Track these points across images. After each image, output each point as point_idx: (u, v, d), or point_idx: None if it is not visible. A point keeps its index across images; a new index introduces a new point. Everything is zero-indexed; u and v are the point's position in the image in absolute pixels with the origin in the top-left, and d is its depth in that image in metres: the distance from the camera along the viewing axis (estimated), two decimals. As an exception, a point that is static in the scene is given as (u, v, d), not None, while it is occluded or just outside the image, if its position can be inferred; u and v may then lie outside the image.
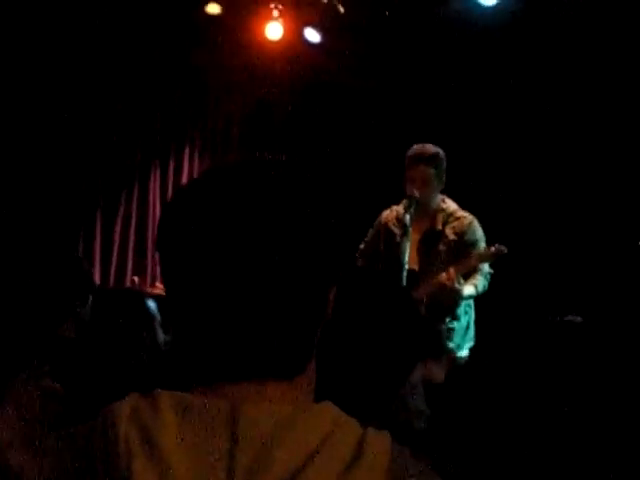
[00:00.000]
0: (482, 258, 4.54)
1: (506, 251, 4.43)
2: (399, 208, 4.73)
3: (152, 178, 7.28)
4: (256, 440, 0.94)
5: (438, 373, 2.79)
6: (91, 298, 2.88)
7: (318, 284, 1.04)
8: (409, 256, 4.54)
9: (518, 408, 2.13)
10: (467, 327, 4.67)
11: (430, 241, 4.63)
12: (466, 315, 4.68)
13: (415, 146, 4.64)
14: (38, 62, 6.33)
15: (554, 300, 5.53)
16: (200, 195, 1.03)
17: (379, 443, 0.98)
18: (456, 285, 4.43)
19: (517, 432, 2.06)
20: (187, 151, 7.50)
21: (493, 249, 4.48)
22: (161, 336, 2.96)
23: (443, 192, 4.72)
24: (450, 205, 4.70)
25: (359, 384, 1.63)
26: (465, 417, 2.17)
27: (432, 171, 4.55)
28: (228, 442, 0.94)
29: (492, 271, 4.64)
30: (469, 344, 4.59)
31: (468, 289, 4.52)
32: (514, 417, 2.10)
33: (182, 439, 0.94)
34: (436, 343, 3.08)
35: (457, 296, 4.50)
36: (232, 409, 0.96)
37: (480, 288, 4.57)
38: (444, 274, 4.43)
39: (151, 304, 2.97)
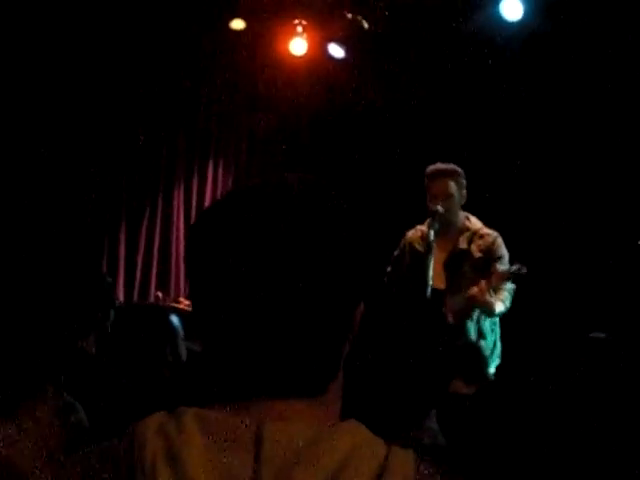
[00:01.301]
0: (502, 277, 4.52)
1: (525, 271, 4.42)
2: (423, 227, 4.73)
3: (176, 194, 7.32)
4: (280, 460, 0.93)
5: (463, 387, 2.77)
6: (113, 313, 2.89)
7: (344, 303, 1.04)
8: (435, 275, 4.54)
9: (544, 427, 2.11)
10: (494, 345, 4.66)
11: (456, 260, 4.63)
12: (492, 333, 4.67)
13: (430, 166, 4.71)
14: (65, 83, 6.40)
15: (577, 317, 5.49)
16: (226, 215, 1.04)
17: (404, 461, 0.97)
18: (487, 297, 4.42)
19: (544, 450, 2.04)
20: (211, 167, 7.54)
21: (514, 268, 4.47)
22: (184, 351, 2.96)
23: (465, 210, 4.73)
24: (475, 223, 4.71)
25: (386, 403, 1.62)
26: (492, 436, 2.15)
27: (453, 184, 4.60)
28: (253, 462, 0.94)
29: (515, 287, 4.62)
30: (496, 362, 4.57)
31: (498, 306, 4.52)
32: (541, 436, 2.08)
33: (208, 459, 0.93)
34: (475, 365, 3.06)
35: (490, 312, 4.48)
36: (257, 428, 0.96)
37: (508, 304, 4.57)
38: (475, 287, 4.42)
39: (174, 319, 2.97)
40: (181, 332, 2.92)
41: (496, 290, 4.54)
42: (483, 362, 3.28)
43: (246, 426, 0.96)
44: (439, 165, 4.67)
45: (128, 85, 6.80)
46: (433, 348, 1.68)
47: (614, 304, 5.65)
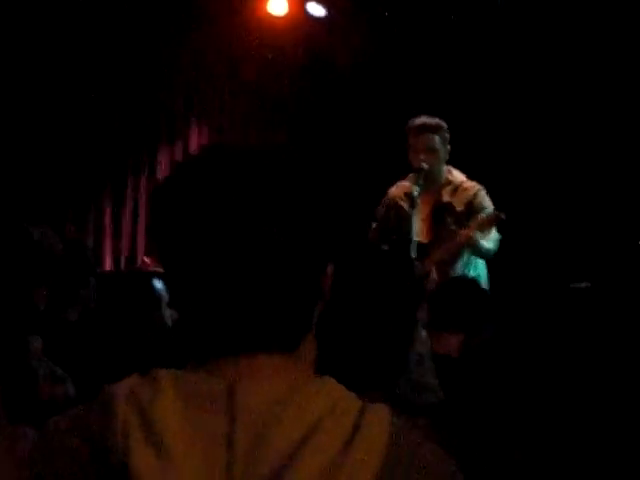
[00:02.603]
0: (483, 224, 4.48)
1: (504, 217, 4.38)
2: (406, 183, 4.71)
3: (160, 160, 7.29)
4: (255, 417, 0.94)
5: (451, 345, 2.78)
6: (93, 281, 2.89)
7: (314, 259, 1.03)
8: (419, 230, 4.53)
9: (531, 382, 2.12)
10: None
11: (439, 214, 4.60)
12: (476, 269, 4.61)
13: (413, 118, 4.64)
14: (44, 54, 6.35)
15: (561, 268, 5.51)
16: (193, 175, 1.03)
17: (378, 418, 0.97)
18: (477, 237, 4.40)
19: (531, 405, 2.05)
20: (194, 130, 7.49)
21: (493, 214, 4.45)
22: (169, 316, 2.96)
23: (448, 164, 4.70)
24: (457, 176, 4.69)
25: (359, 356, 1.62)
26: (480, 392, 2.16)
27: (438, 139, 4.56)
28: (226, 421, 0.94)
29: (500, 236, 4.60)
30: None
31: (486, 243, 4.48)
32: (528, 391, 2.09)
33: (181, 420, 0.93)
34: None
35: (478, 251, 4.47)
36: (229, 387, 0.96)
37: (493, 246, 4.52)
38: (464, 230, 4.41)
39: (158, 284, 2.98)
40: (166, 297, 2.92)
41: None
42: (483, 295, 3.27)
43: (218, 387, 0.96)
44: (424, 119, 4.60)
45: (106, 52, 6.75)
46: (405, 299, 1.68)
47: (595, 254, 5.67)
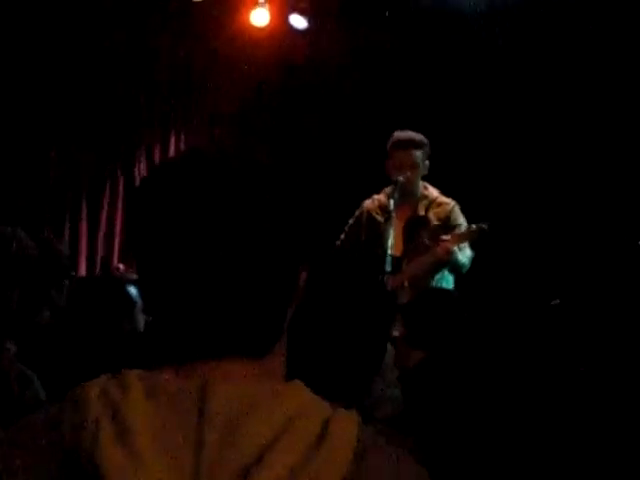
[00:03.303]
0: (462, 237, 4.52)
1: (486, 227, 4.40)
2: (381, 196, 4.73)
3: (137, 165, 7.26)
4: (224, 418, 0.95)
5: (412, 357, 2.78)
6: (67, 283, 2.88)
7: (287, 264, 1.05)
8: (393, 243, 4.53)
9: (495, 392, 2.14)
10: None
11: (413, 227, 4.62)
12: (448, 285, 4.62)
13: (398, 132, 4.66)
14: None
15: (531, 286, 5.54)
16: (168, 179, 1.04)
17: (346, 422, 0.98)
18: (455, 252, 4.41)
19: (492, 416, 2.07)
20: (173, 138, 7.48)
21: (474, 227, 4.47)
22: (141, 322, 2.96)
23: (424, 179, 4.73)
24: (432, 192, 4.73)
25: (328, 366, 1.63)
26: (440, 403, 2.17)
27: (420, 155, 4.58)
28: (196, 420, 0.95)
29: (474, 254, 4.63)
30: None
31: (462, 257, 4.51)
32: (490, 402, 2.10)
33: (150, 417, 0.94)
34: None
35: (455, 265, 4.48)
36: (201, 387, 0.97)
37: (468, 263, 4.55)
38: (439, 247, 4.40)
39: (132, 290, 2.97)
40: (139, 302, 2.92)
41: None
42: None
43: (190, 387, 0.97)
44: (409, 134, 4.65)
45: (86, 56, 6.72)
46: (374, 311, 1.69)
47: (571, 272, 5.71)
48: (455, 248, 4.40)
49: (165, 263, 1.01)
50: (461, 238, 4.48)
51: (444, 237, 4.43)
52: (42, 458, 0.96)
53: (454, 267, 4.51)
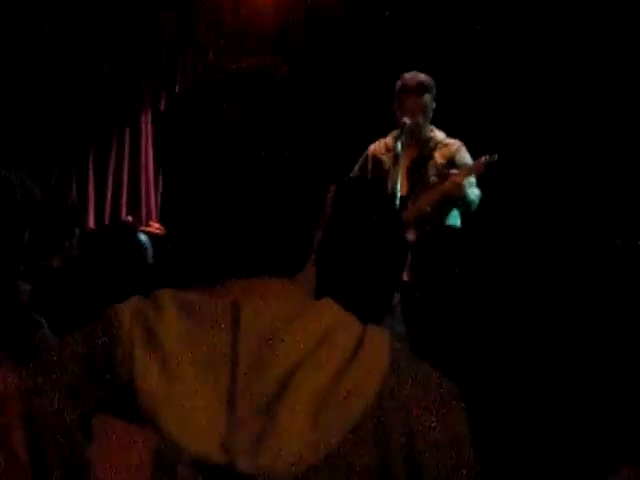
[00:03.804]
0: (471, 170, 4.47)
1: (497, 158, 4.33)
2: (387, 140, 4.71)
3: (143, 118, 7.25)
4: (258, 334, 0.96)
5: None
6: (78, 232, 2.88)
7: (316, 181, 1.05)
8: (400, 184, 4.51)
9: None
10: None
11: (419, 166, 4.60)
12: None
13: (408, 75, 4.60)
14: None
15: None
16: (196, 98, 1.04)
17: (379, 338, 0.99)
18: (465, 187, 4.37)
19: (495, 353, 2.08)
20: (180, 86, 7.43)
21: (483, 159, 4.40)
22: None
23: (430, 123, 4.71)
24: (438, 134, 4.69)
25: (353, 286, 1.64)
26: (443, 339, 2.18)
27: (429, 98, 4.55)
28: (230, 336, 0.95)
29: (481, 195, 4.60)
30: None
31: (473, 192, 4.46)
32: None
33: (184, 334, 0.95)
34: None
35: (465, 201, 4.44)
36: (233, 304, 0.97)
37: (474, 197, 4.51)
38: (448, 182, 4.37)
39: (143, 237, 2.97)
40: (150, 250, 2.91)
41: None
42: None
43: (222, 304, 0.97)
44: (418, 78, 4.56)
45: (92, 12, 6.69)
46: (386, 242, 1.70)
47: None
48: (465, 182, 4.37)
49: (194, 183, 1.01)
50: (470, 171, 4.43)
51: (453, 171, 4.40)
52: (81, 367, 0.96)
53: (464, 203, 4.46)
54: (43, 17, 6.50)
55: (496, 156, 4.32)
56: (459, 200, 4.42)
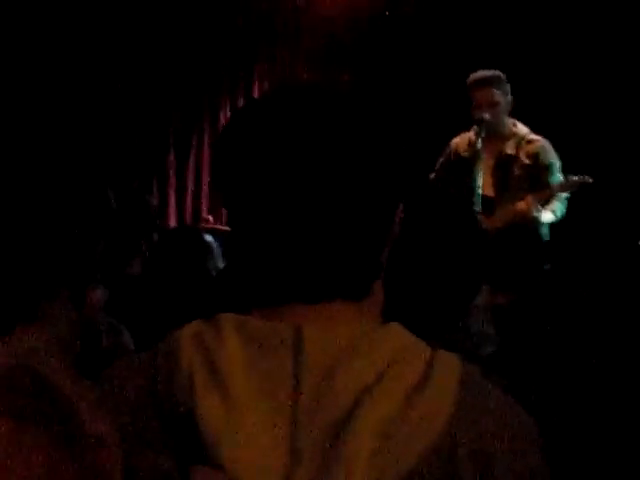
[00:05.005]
0: (564, 187, 4.47)
1: (591, 181, 4.33)
2: (469, 134, 4.67)
3: (222, 115, 7.29)
4: (321, 362, 0.92)
5: (503, 297, 2.71)
6: (156, 236, 2.90)
7: (383, 203, 0.99)
8: (483, 182, 4.51)
9: (588, 332, 2.06)
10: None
11: (504, 166, 4.56)
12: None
13: (473, 73, 4.60)
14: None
15: (628, 225, 5.38)
16: (259, 116, 0.99)
17: (448, 364, 0.95)
18: (534, 212, 4.36)
19: (588, 354, 1.99)
20: (256, 88, 7.46)
21: (576, 178, 4.40)
22: (222, 266, 2.98)
23: (513, 117, 4.64)
24: (521, 129, 4.63)
25: (425, 308, 1.58)
26: (534, 340, 2.11)
27: (496, 92, 4.50)
28: (292, 364, 0.92)
29: (569, 195, 4.54)
30: (545, 266, 4.51)
31: (547, 216, 4.47)
32: (584, 340, 2.03)
33: (246, 364, 0.92)
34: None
35: (536, 224, 4.42)
36: (296, 331, 0.93)
37: (559, 214, 4.51)
38: (522, 202, 4.37)
39: (208, 237, 3.01)
40: (217, 249, 2.94)
41: (549, 199, 4.47)
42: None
43: (285, 331, 0.94)
44: (480, 73, 4.56)
45: (170, 14, 6.78)
46: (467, 250, 1.63)
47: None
48: (534, 207, 4.36)
49: (256, 204, 0.96)
50: (552, 192, 4.43)
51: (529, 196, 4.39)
52: (133, 403, 0.94)
53: (535, 226, 4.45)
54: (124, 23, 6.58)
55: (590, 179, 4.28)
56: (530, 223, 4.39)
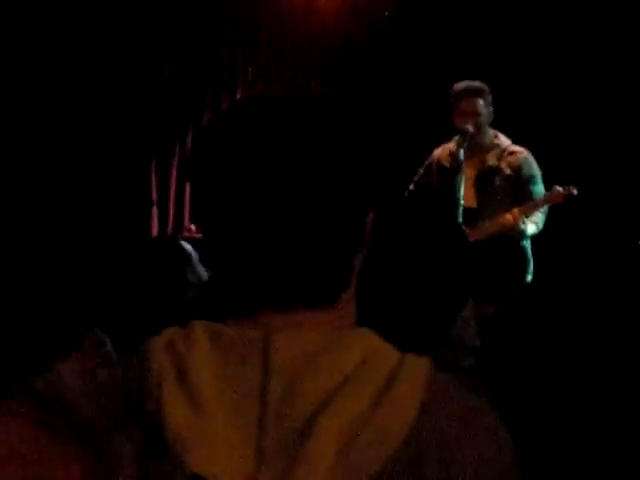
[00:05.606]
0: (549, 200, 4.49)
1: (576, 193, 4.36)
2: (451, 145, 4.68)
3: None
4: (289, 367, 0.93)
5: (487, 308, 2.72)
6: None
7: (353, 210, 1.00)
8: (465, 194, 4.52)
9: (574, 342, 2.06)
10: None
11: (486, 177, 4.58)
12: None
13: (456, 83, 4.65)
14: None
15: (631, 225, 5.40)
16: (232, 123, 1.00)
17: (416, 368, 0.95)
18: (521, 225, 4.37)
19: (570, 365, 1.99)
20: (240, 94, 7.44)
21: (561, 189, 4.44)
22: (204, 273, 2.97)
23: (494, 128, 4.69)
24: (503, 140, 4.66)
25: (402, 315, 1.56)
26: (517, 351, 2.10)
27: (480, 102, 4.55)
28: (260, 370, 0.93)
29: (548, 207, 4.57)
30: (528, 279, 4.54)
31: (531, 228, 4.51)
32: (570, 350, 2.02)
33: (215, 371, 0.93)
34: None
35: (521, 236, 4.44)
36: (264, 337, 0.94)
37: (540, 225, 4.56)
38: (508, 215, 4.39)
39: (186, 245, 3.01)
40: (195, 256, 2.94)
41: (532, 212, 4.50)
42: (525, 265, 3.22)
43: (254, 337, 0.95)
44: (466, 83, 4.60)
45: (153, 16, 6.78)
46: (449, 263, 1.60)
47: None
48: (520, 219, 4.40)
49: (228, 212, 0.97)
50: (538, 205, 4.49)
51: (515, 209, 4.42)
52: (108, 406, 0.96)
53: (521, 237, 4.48)
54: (107, 24, 6.56)
55: (575, 191, 4.30)
56: (516, 235, 4.41)
